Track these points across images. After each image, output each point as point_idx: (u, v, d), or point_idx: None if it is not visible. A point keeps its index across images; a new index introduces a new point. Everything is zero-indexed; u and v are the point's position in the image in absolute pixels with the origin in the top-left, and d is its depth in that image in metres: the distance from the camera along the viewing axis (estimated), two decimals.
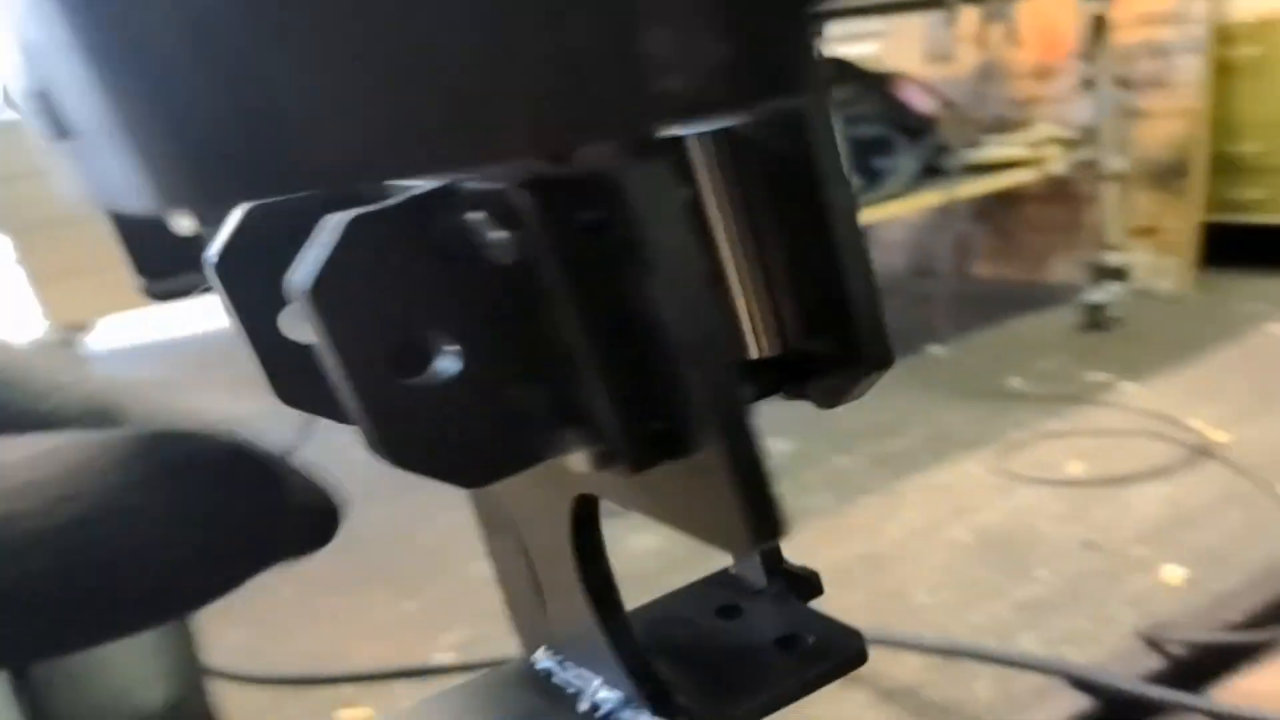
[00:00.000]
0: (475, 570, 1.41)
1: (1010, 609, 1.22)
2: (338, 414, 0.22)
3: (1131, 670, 0.92)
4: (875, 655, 1.01)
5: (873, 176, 2.05)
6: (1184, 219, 2.41)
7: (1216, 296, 2.43)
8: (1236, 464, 1.57)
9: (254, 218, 0.23)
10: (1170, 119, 2.39)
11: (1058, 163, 2.27)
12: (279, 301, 0.23)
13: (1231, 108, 2.40)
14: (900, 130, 2.13)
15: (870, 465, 1.75)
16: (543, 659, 0.29)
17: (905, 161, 2.10)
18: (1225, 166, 2.44)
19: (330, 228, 0.18)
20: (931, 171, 2.18)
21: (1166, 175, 2.41)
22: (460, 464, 0.20)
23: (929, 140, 2.19)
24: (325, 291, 0.17)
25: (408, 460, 0.19)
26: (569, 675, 0.28)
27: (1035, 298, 2.59)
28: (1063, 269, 2.62)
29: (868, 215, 1.99)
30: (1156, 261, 2.45)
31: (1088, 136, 2.29)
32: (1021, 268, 2.77)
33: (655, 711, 0.25)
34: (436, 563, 1.49)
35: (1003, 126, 2.46)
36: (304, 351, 0.23)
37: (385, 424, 0.18)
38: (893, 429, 1.87)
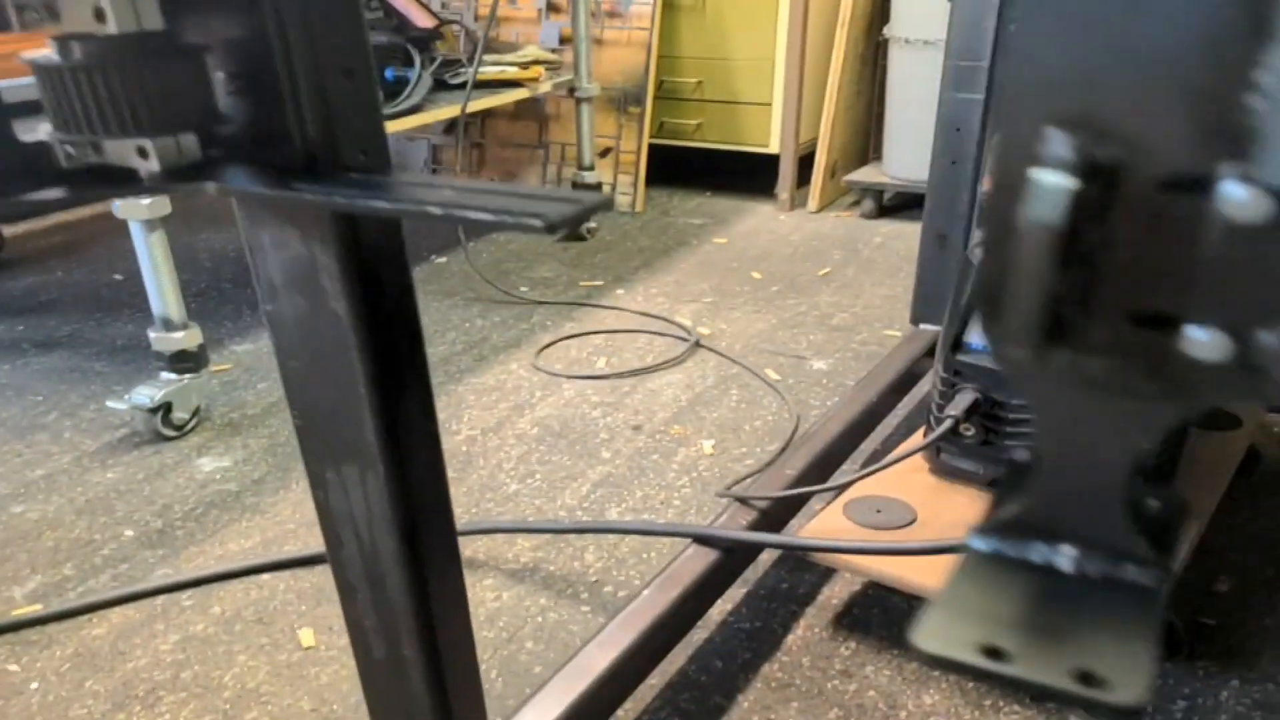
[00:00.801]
0: (21, 512, 1.29)
1: (591, 487, 1.40)
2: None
3: (736, 524, 1.09)
4: (490, 543, 1.25)
5: (388, 87, 2.02)
6: (637, 141, 2.69)
7: (663, 211, 2.78)
8: (723, 352, 1.86)
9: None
10: (628, 49, 2.65)
11: (546, 84, 2.40)
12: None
13: (674, 43, 2.75)
14: (409, 42, 2.11)
15: None
16: (980, 543, 0.35)
17: (419, 74, 2.08)
18: (668, 95, 2.82)
19: None
20: (438, 85, 2.21)
21: (625, 101, 2.68)
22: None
23: (434, 54, 2.21)
24: None
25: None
26: (1026, 550, 0.34)
27: None
28: (530, 184, 2.80)
29: (393, 127, 2.03)
30: (615, 179, 2.73)
31: (558, 60, 2.52)
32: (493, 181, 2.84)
33: (1145, 565, 0.33)
34: None
35: (492, 45, 2.54)
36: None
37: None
38: (431, 337, 1.94)
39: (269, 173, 0.40)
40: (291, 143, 0.41)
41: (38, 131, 0.39)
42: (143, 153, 0.39)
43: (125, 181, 0.39)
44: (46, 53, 0.38)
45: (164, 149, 0.39)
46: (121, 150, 0.39)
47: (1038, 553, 0.35)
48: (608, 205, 0.35)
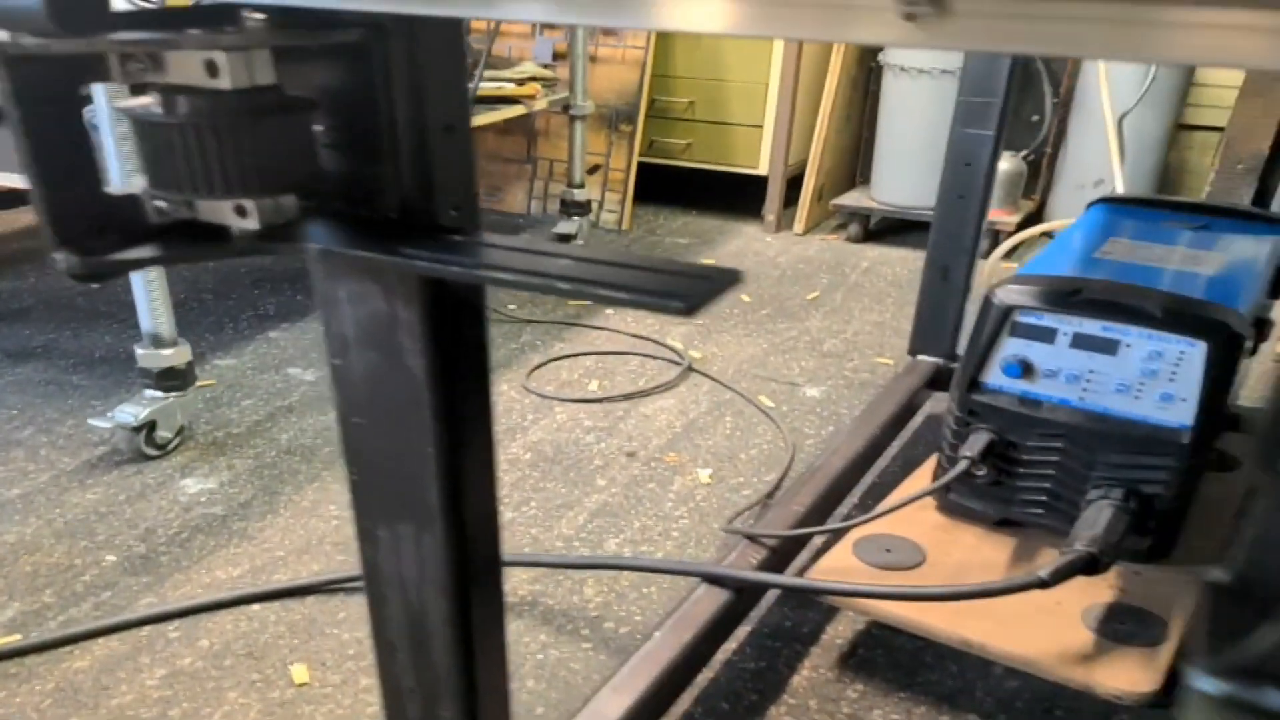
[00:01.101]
0: None
1: (588, 516, 1.36)
2: None
3: (746, 562, 1.07)
4: None
5: None
6: (627, 159, 2.70)
7: (650, 230, 2.76)
8: (715, 377, 1.83)
9: None
10: (622, 67, 2.65)
11: (542, 100, 2.38)
12: None
13: (669, 63, 2.76)
14: None
15: None
16: (1209, 685, 0.33)
17: None
18: (659, 114, 2.82)
19: None
20: None
21: (616, 119, 2.68)
22: None
23: None
24: None
25: None
26: (1261, 696, 0.32)
27: (499, 226, 2.76)
28: (517, 199, 2.83)
29: None
30: (603, 197, 2.73)
31: (554, 76, 2.51)
32: (479, 196, 2.83)
33: None
34: None
35: (491, 61, 2.41)
36: None
37: None
38: None
39: (360, 228, 0.38)
40: (386, 198, 0.38)
41: (129, 185, 0.36)
42: (241, 211, 0.36)
43: (217, 239, 0.36)
44: (146, 103, 0.35)
45: (263, 208, 0.36)
46: (217, 208, 0.36)
47: (1273, 699, 0.34)
48: (736, 280, 0.33)
